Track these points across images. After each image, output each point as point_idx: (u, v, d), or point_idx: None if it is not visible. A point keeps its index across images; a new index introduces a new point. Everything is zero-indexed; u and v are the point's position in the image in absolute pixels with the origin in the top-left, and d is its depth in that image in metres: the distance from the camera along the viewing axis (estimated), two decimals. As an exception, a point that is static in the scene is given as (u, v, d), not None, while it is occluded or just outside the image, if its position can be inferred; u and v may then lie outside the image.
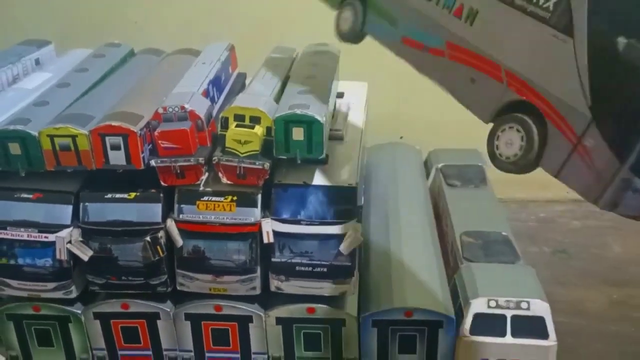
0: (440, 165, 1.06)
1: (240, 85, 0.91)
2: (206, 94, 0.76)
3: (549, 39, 0.46)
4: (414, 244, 0.85)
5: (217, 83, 0.81)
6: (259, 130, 0.69)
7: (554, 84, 0.46)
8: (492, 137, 0.51)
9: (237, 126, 0.69)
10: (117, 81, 0.83)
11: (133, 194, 0.72)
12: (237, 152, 0.69)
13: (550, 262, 1.08)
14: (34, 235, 0.72)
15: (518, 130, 0.49)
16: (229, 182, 0.70)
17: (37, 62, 0.91)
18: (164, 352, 0.78)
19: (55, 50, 0.96)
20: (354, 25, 0.66)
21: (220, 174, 0.70)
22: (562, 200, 1.28)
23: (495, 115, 0.52)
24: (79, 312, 0.76)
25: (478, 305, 0.72)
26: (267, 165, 0.68)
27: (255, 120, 0.69)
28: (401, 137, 1.24)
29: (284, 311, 0.74)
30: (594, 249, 1.12)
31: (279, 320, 0.75)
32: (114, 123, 0.68)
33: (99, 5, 1.23)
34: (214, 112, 0.75)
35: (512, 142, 0.50)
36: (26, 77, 0.85)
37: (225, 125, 0.70)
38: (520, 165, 0.50)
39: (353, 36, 0.68)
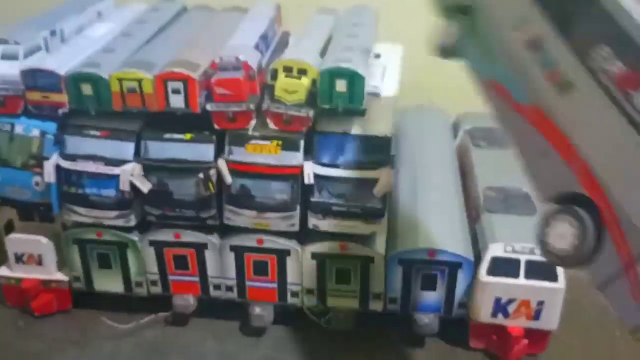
0: (468, 128, 1.12)
1: (285, 42, 0.98)
2: (256, 47, 0.83)
3: (637, 150, 0.41)
4: (440, 194, 0.92)
5: (265, 39, 0.88)
6: (305, 81, 0.76)
7: (626, 196, 0.42)
8: (544, 222, 0.47)
9: (285, 77, 0.76)
10: (174, 33, 0.91)
11: (189, 135, 0.80)
12: (284, 101, 0.76)
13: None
14: (101, 168, 0.80)
15: (572, 226, 0.45)
16: (275, 128, 0.78)
17: (100, 14, 0.98)
18: (210, 279, 0.87)
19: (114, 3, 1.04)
20: (454, 44, 0.61)
21: (268, 120, 0.77)
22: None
23: (555, 200, 0.47)
24: (137, 239, 0.85)
25: (496, 250, 0.79)
26: (311, 113, 0.76)
27: (303, 72, 0.76)
28: (432, 102, 1.30)
29: (319, 247, 0.83)
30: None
31: (314, 255, 0.83)
32: (176, 70, 0.75)
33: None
34: (263, 64, 0.83)
35: (564, 236, 0.45)
36: (91, 27, 0.93)
37: (274, 76, 0.77)
38: (567, 263, 0.46)
39: (447, 53, 0.62)
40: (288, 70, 0.76)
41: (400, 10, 1.24)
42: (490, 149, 1.05)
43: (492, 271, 0.79)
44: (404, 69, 1.07)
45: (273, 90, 0.77)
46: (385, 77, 0.94)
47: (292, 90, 0.76)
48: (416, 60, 1.15)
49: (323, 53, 0.81)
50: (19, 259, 0.89)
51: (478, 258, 0.81)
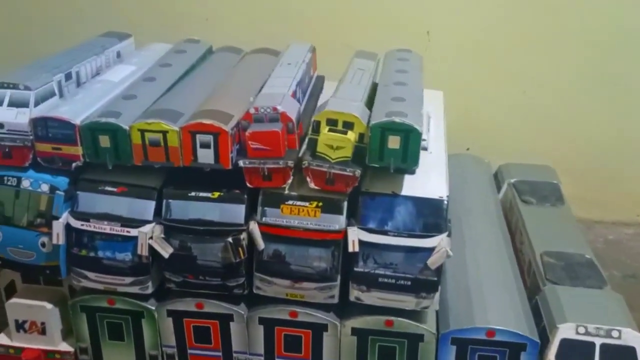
0: (512, 181, 1.03)
1: (319, 87, 0.90)
2: (294, 95, 0.74)
3: None
4: (491, 260, 0.82)
5: (302, 85, 0.80)
6: (351, 136, 0.67)
7: None
8: None
9: (329, 131, 0.67)
10: (200, 78, 0.83)
11: (217, 194, 0.71)
12: (328, 158, 0.67)
13: (620, 286, 1.05)
14: (116, 229, 0.71)
15: None
16: (316, 187, 0.69)
17: (119, 54, 0.91)
18: (234, 354, 0.77)
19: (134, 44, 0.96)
20: None
21: (308, 179, 0.68)
22: (630, 223, 1.24)
23: None
24: (153, 308, 0.76)
25: (566, 331, 0.69)
26: (357, 172, 0.67)
27: (349, 125, 0.67)
28: (467, 149, 1.22)
29: (361, 322, 0.73)
30: (666, 276, 1.08)
31: (355, 331, 0.73)
32: (205, 121, 0.67)
33: (170, 2, 1.23)
34: (301, 114, 0.74)
35: None
36: (109, 70, 0.85)
37: (316, 129, 0.68)
38: None
39: None
40: (332, 122, 0.68)
41: (433, 52, 1.17)
42: (540, 206, 0.96)
43: (562, 356, 0.69)
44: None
45: (314, 144, 0.68)
46: (430, 128, 0.86)
47: (337, 146, 0.67)
48: (451, 105, 1.09)
49: (368, 103, 0.73)
50: (19, 326, 0.80)
51: (542, 336, 0.71)
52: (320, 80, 0.92)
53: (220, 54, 0.93)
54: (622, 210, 1.23)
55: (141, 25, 1.12)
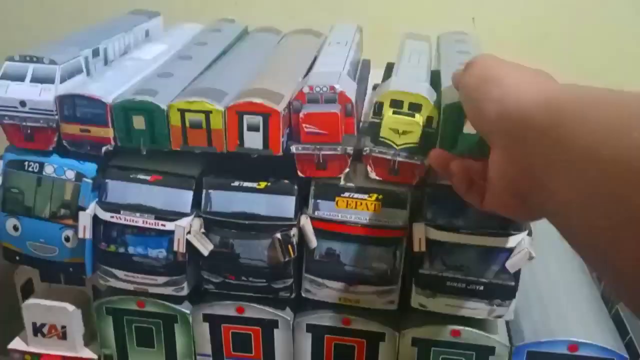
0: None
1: (367, 71, 0.82)
2: (349, 75, 0.66)
3: None
4: (561, 264, 0.74)
5: (354, 66, 0.72)
6: (419, 119, 0.59)
7: None
8: None
9: (394, 113, 0.59)
10: (240, 57, 0.75)
11: (263, 184, 0.63)
12: (392, 144, 0.59)
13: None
14: (150, 222, 0.63)
15: None
16: (378, 177, 0.60)
17: (147, 33, 0.83)
18: (277, 366, 0.69)
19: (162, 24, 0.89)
20: None
21: (369, 168, 0.60)
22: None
23: None
24: (188, 312, 0.68)
25: (661, 345, 0.61)
26: (426, 161, 0.59)
27: (416, 107, 0.59)
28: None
29: (423, 332, 0.64)
30: None
31: (416, 341, 0.65)
32: (255, 100, 0.59)
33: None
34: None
35: None
36: (138, 48, 0.77)
37: (378, 111, 0.60)
38: None
39: None
40: (397, 104, 0.60)
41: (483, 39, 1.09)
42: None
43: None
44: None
45: (376, 128, 0.60)
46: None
47: (403, 130, 0.59)
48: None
49: (433, 85, 0.65)
50: (37, 330, 0.72)
51: (629, 350, 0.63)
52: (367, 64, 0.84)
53: (258, 34, 0.85)
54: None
55: (167, 7, 1.05)
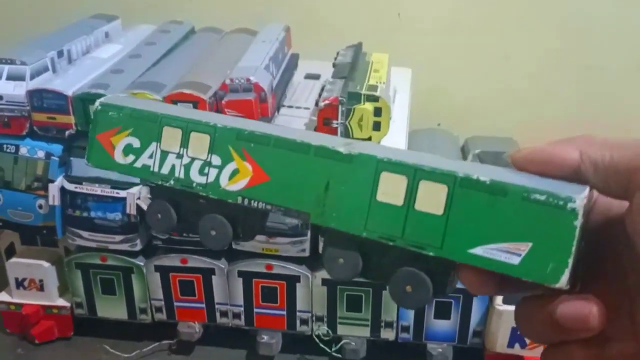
0: (477, 152, 1.10)
1: (294, 64, 0.97)
2: (267, 69, 0.82)
3: None
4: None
5: (275, 60, 0.87)
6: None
7: None
8: None
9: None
10: (183, 55, 0.90)
11: (198, 158, 0.78)
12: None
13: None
14: (107, 191, 0.78)
15: None
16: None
17: (107, 34, 0.98)
18: (216, 306, 0.84)
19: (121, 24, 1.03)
20: None
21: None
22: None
23: None
24: (142, 264, 0.83)
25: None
26: None
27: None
28: (439, 124, 1.29)
29: (330, 273, 0.80)
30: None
31: (325, 282, 0.81)
32: (185, 90, 0.74)
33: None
34: (274, 86, 0.81)
35: None
36: (98, 48, 0.92)
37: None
38: None
39: None
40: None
41: (404, 31, 1.24)
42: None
43: (508, 299, 0.77)
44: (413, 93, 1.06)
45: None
46: (394, 103, 0.93)
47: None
48: (423, 82, 1.16)
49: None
50: (19, 284, 0.87)
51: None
52: (295, 57, 0.99)
53: (202, 34, 1.00)
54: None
55: (128, 7, 1.19)
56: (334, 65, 0.88)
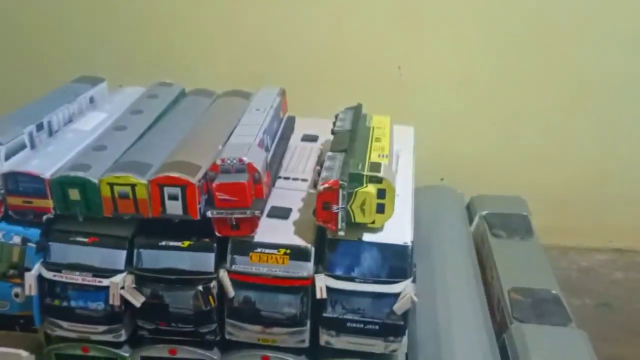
0: (484, 213, 1.05)
1: (290, 128, 0.91)
2: (261, 144, 0.76)
3: None
4: (461, 299, 0.84)
5: (270, 131, 0.82)
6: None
7: None
8: None
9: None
10: (171, 125, 0.84)
11: (187, 243, 0.72)
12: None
13: (593, 316, 1.06)
14: (88, 279, 0.72)
15: None
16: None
17: (92, 99, 0.92)
18: (208, 400, 0.78)
19: (107, 86, 0.98)
20: None
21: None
22: (604, 249, 1.26)
23: None
24: (127, 355, 0.76)
25: (530, 372, 0.71)
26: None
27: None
28: (442, 179, 1.24)
29: (332, 365, 0.74)
30: (637, 304, 1.10)
31: (327, 375, 0.74)
32: (172, 174, 0.68)
33: (146, 40, 1.24)
34: (268, 162, 0.76)
35: None
36: (82, 117, 0.86)
37: None
38: None
39: None
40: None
41: (406, 87, 1.20)
42: (510, 240, 0.98)
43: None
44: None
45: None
46: (398, 167, 0.87)
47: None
48: (426, 139, 1.11)
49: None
50: (-6, 375, 0.80)
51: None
52: (291, 120, 0.94)
53: (192, 98, 0.94)
54: (595, 237, 1.26)
55: (115, 65, 1.14)
56: (333, 132, 0.83)
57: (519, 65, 1.17)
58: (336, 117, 0.87)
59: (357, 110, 0.88)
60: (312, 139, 0.96)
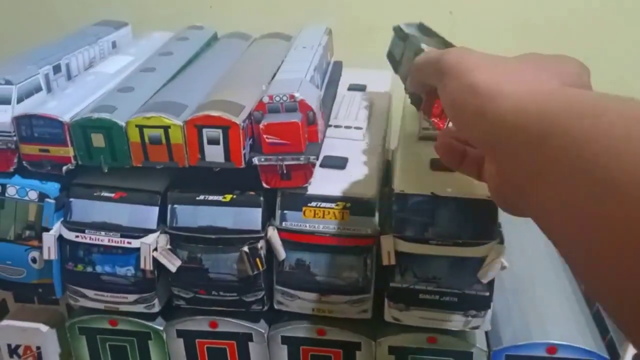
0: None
1: (338, 74, 0.80)
2: (312, 81, 0.65)
3: None
4: (542, 265, 0.72)
5: (320, 70, 0.71)
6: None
7: None
8: None
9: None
10: (205, 66, 0.73)
11: (229, 196, 0.62)
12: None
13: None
14: (116, 240, 0.62)
15: None
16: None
17: (114, 44, 0.82)
18: (254, 379, 0.68)
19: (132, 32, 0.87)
20: None
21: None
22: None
23: None
24: (161, 328, 0.67)
25: (641, 345, 0.59)
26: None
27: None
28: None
29: (400, 340, 0.63)
30: None
31: (393, 350, 0.64)
32: (213, 113, 0.57)
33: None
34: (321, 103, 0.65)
35: None
36: (103, 61, 0.76)
37: None
38: None
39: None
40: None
41: (460, 36, 1.08)
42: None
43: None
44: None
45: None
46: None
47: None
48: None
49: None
50: (12, 351, 0.71)
51: (610, 350, 0.62)
52: (338, 66, 0.82)
53: (226, 40, 0.83)
54: None
55: (140, 14, 1.03)
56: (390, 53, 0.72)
57: (580, 7, 1.05)
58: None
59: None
60: (360, 88, 0.85)
